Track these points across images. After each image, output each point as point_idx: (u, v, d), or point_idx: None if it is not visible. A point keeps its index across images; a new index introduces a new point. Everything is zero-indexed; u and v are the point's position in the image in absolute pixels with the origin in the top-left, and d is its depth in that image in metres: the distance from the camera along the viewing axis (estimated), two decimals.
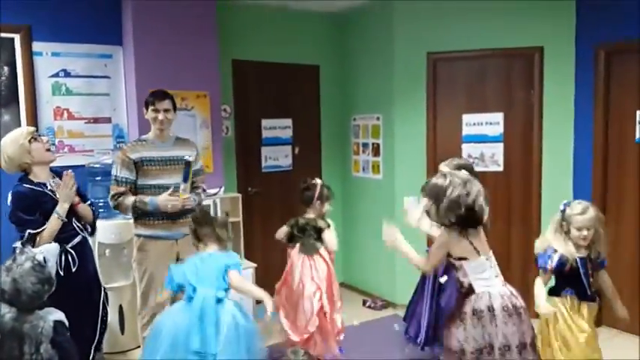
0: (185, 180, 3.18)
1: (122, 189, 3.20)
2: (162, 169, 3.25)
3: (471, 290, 2.44)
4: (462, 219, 2.36)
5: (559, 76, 4.35)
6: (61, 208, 2.87)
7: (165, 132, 3.34)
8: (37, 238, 2.80)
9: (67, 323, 2.41)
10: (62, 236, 2.89)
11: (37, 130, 3.10)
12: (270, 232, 5.06)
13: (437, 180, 2.44)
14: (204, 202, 4.05)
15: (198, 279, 2.59)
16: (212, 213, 4.17)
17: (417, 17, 4.58)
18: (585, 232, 2.72)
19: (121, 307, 3.81)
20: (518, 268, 4.43)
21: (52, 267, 2.53)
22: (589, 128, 4.25)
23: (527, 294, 2.75)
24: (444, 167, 3.22)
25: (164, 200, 3.14)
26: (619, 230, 4.14)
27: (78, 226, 3.00)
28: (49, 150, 2.99)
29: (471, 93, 4.57)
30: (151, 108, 3.25)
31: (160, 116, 3.25)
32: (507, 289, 2.47)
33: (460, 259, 2.46)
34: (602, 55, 4.13)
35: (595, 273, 2.81)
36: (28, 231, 2.79)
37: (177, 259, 3.30)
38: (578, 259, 2.75)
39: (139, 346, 3.54)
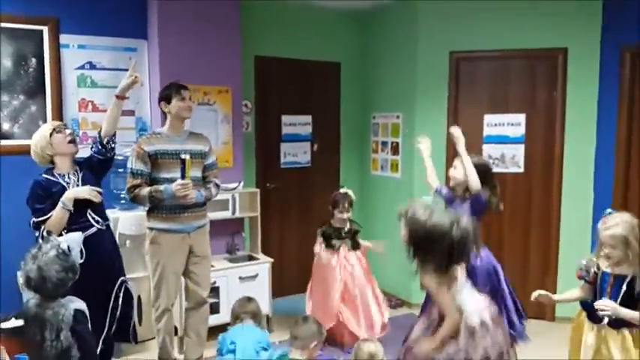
0: (182, 177, 3.16)
1: (138, 181, 3.22)
2: (176, 162, 3.26)
3: None
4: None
5: (583, 78, 4.30)
6: (66, 198, 2.90)
7: (182, 124, 3.38)
8: (42, 227, 2.87)
9: (87, 313, 2.47)
10: (73, 227, 2.92)
11: (64, 124, 3.17)
12: (287, 227, 5.13)
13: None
14: (222, 197, 4.12)
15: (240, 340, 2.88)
16: (230, 207, 4.22)
17: (441, 16, 4.56)
18: (607, 250, 2.49)
19: (139, 298, 3.86)
20: (537, 270, 4.41)
21: (75, 255, 2.60)
22: (612, 131, 4.20)
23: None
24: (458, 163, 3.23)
25: (176, 185, 3.15)
26: None
27: (93, 218, 3.01)
28: (71, 142, 3.04)
29: (494, 93, 4.54)
30: (176, 98, 3.27)
31: (189, 103, 3.32)
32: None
33: None
34: (628, 57, 4.07)
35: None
36: (33, 219, 2.89)
37: (190, 253, 3.36)
38: (602, 274, 2.55)
39: (153, 337, 3.57)
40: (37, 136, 3.01)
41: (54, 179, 2.96)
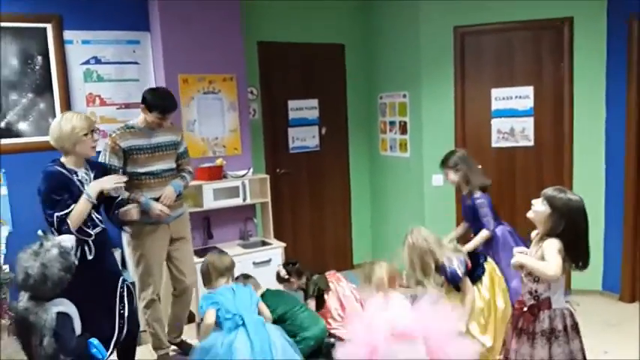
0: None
1: None
2: (151, 155, 3.31)
3: (540, 304, 2.41)
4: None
5: (590, 48, 4.24)
6: (92, 190, 2.80)
7: None
8: (68, 221, 2.71)
9: (71, 314, 2.36)
10: (82, 226, 2.83)
11: (97, 126, 3.02)
12: (299, 211, 5.17)
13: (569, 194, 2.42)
14: (232, 184, 4.16)
15: (241, 308, 2.90)
16: (241, 194, 4.26)
17: None
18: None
19: None
20: None
21: (72, 256, 2.50)
22: (622, 100, 4.14)
23: None
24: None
25: (155, 209, 3.23)
26: None
27: (97, 218, 2.91)
28: (94, 147, 2.93)
29: (500, 67, 4.49)
30: (157, 114, 3.26)
31: (164, 123, 3.34)
32: (570, 306, 2.46)
33: None
34: (636, 25, 3.99)
35: None
36: (56, 214, 2.71)
37: (171, 241, 3.44)
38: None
39: (144, 330, 3.49)
40: (68, 123, 2.81)
41: (67, 174, 2.81)
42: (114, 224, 3.14)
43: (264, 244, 4.43)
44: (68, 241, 2.58)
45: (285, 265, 3.84)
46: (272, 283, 3.76)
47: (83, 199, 2.77)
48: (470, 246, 3.36)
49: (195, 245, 3.99)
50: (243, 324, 2.83)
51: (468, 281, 3.02)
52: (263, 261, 4.22)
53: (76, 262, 2.55)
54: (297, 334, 3.24)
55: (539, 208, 2.41)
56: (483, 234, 3.40)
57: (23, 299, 2.28)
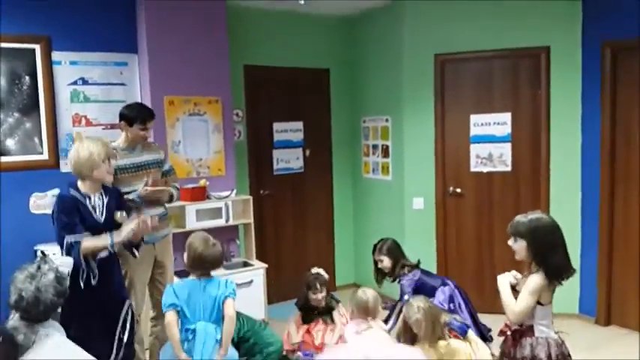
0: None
1: None
2: (134, 175, 3.33)
3: (523, 331, 2.43)
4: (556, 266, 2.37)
5: (566, 75, 4.38)
6: (116, 243, 2.81)
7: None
8: (79, 248, 2.71)
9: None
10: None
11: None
12: (281, 232, 5.21)
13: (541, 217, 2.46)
14: (215, 205, 4.21)
15: (198, 312, 2.73)
16: (224, 215, 4.29)
17: (424, 20, 4.65)
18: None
19: None
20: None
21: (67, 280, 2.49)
22: (596, 127, 4.27)
23: None
24: None
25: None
26: (626, 228, 4.17)
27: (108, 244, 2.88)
28: (110, 173, 2.96)
29: (479, 93, 4.62)
30: (138, 125, 3.32)
31: (148, 133, 3.40)
32: (559, 337, 2.46)
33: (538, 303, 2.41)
34: (609, 53, 4.15)
35: None
36: (67, 239, 2.72)
37: (155, 262, 3.45)
38: None
39: None
40: (86, 153, 2.83)
41: (81, 199, 2.83)
42: (126, 248, 3.07)
43: (246, 265, 4.46)
44: (66, 266, 2.58)
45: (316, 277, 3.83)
46: (253, 304, 3.79)
47: (105, 240, 2.78)
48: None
49: (177, 266, 4.01)
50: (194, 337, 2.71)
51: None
52: (245, 282, 4.24)
53: (82, 286, 2.61)
54: (263, 349, 3.30)
55: (515, 247, 2.45)
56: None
57: (14, 318, 2.29)
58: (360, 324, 2.90)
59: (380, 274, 3.80)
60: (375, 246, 3.79)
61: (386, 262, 3.71)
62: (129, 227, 2.84)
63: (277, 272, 5.03)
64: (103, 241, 2.80)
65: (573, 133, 4.41)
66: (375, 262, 3.79)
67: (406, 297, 3.45)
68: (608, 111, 4.19)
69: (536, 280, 2.35)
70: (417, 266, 3.69)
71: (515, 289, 2.47)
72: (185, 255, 2.85)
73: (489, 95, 4.59)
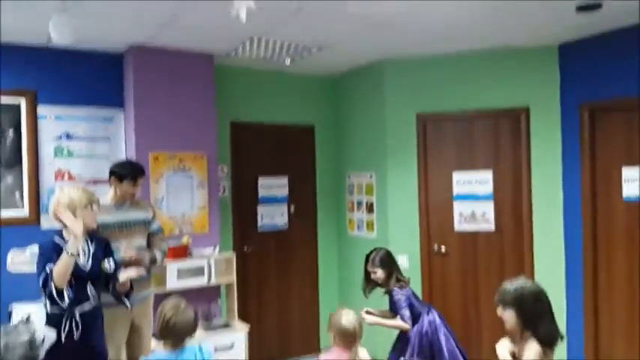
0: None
1: None
2: (118, 232, 3.30)
3: None
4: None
5: (546, 135, 4.47)
6: (72, 245, 2.72)
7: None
8: (51, 283, 2.67)
9: None
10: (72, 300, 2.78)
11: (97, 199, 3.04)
12: (265, 291, 5.10)
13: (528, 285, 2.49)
14: (197, 264, 4.13)
15: None
16: (206, 274, 4.18)
17: (405, 80, 4.77)
18: None
19: None
20: None
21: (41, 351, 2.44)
22: (577, 185, 4.33)
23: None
24: None
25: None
26: (611, 283, 4.16)
27: (92, 294, 2.88)
28: (94, 219, 2.94)
29: (460, 152, 4.69)
30: (129, 182, 3.33)
31: (137, 190, 3.39)
32: None
33: None
34: (587, 113, 4.26)
35: None
36: (41, 275, 2.70)
37: (132, 325, 3.34)
38: None
39: None
40: (67, 198, 2.84)
41: (61, 243, 2.80)
42: (115, 299, 3.05)
43: (227, 326, 4.33)
44: (46, 332, 2.53)
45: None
46: None
47: (64, 256, 2.70)
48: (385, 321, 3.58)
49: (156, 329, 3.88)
50: None
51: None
52: (225, 346, 4.11)
53: (63, 340, 2.62)
54: None
55: (504, 316, 2.46)
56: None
57: None
58: (343, 354, 2.75)
59: (369, 285, 3.72)
60: (368, 257, 3.71)
61: (380, 274, 3.62)
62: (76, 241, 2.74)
63: (260, 333, 4.89)
64: (63, 257, 2.69)
65: (554, 190, 4.46)
66: (367, 273, 3.70)
67: (407, 314, 3.47)
68: (588, 168, 4.25)
69: (536, 346, 2.36)
70: (407, 283, 3.64)
71: (515, 357, 2.46)
72: (157, 326, 2.67)
73: (471, 153, 4.66)
